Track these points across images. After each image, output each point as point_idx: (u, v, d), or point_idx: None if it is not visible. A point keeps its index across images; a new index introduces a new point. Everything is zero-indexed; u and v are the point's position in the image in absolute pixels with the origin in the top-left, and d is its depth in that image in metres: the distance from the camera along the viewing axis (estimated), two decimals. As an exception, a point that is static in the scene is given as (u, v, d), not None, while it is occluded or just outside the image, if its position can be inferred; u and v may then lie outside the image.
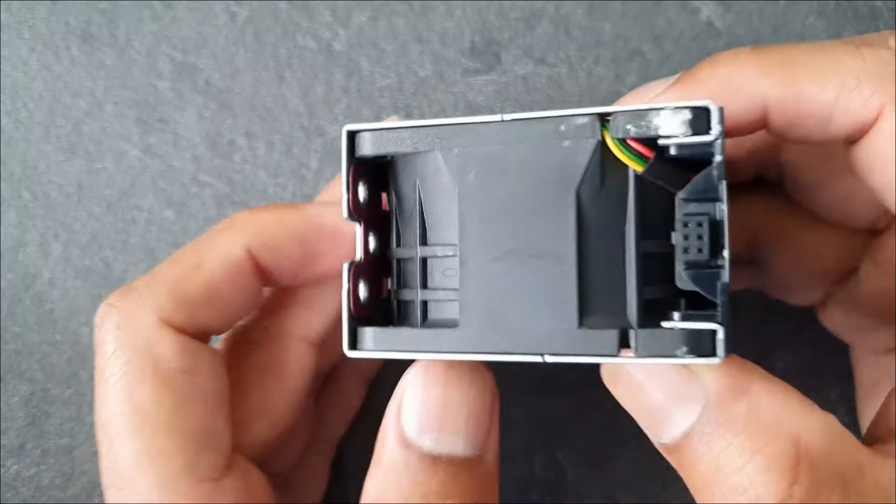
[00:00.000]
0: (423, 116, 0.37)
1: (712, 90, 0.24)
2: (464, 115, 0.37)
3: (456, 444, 0.24)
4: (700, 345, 0.21)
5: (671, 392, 0.23)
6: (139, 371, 0.25)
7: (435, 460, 0.24)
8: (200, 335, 0.27)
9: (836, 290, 0.31)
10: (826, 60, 0.23)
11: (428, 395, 0.24)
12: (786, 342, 0.36)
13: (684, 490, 0.24)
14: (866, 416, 0.33)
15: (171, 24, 0.38)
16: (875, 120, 0.23)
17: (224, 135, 0.38)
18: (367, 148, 0.24)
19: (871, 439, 0.24)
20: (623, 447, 0.36)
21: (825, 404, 0.36)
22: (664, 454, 0.24)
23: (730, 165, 0.22)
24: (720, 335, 0.21)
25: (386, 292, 0.26)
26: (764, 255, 0.31)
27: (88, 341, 0.38)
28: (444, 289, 0.24)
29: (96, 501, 0.38)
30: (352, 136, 0.24)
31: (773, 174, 0.31)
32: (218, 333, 0.28)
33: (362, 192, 0.24)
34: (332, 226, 0.28)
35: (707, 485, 0.22)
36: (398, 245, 0.25)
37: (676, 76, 0.26)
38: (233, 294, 0.27)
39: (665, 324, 0.21)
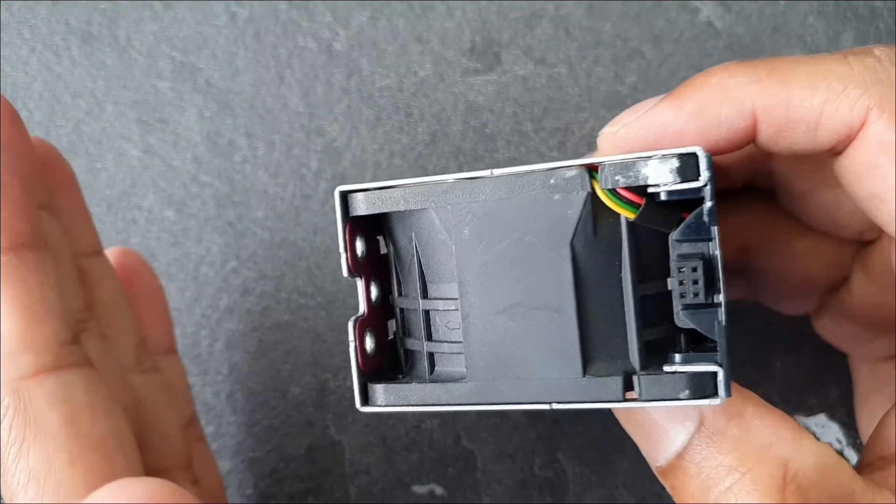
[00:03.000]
0: (422, 117, 0.37)
1: (704, 97, 0.24)
2: (463, 116, 0.37)
3: None
4: (702, 386, 0.22)
5: (666, 412, 0.23)
6: (28, 440, 0.25)
7: None
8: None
9: (828, 299, 0.31)
10: (814, 67, 0.24)
11: None
12: (786, 343, 0.36)
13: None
14: (863, 423, 0.33)
15: (171, 25, 0.38)
16: (861, 126, 0.23)
17: (224, 135, 0.38)
18: (360, 208, 0.24)
19: (865, 466, 0.25)
20: (623, 447, 0.36)
21: (824, 404, 0.37)
22: (660, 479, 0.24)
23: (720, 172, 0.22)
24: (721, 377, 0.21)
25: (391, 334, 0.26)
26: (755, 263, 0.31)
27: (89, 341, 0.38)
28: (448, 341, 0.24)
29: (96, 501, 0.38)
30: (344, 195, 0.24)
31: (763, 183, 0.31)
32: None
33: (360, 246, 0.25)
34: None
35: None
36: (399, 294, 0.26)
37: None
38: None
39: (667, 367, 0.22)
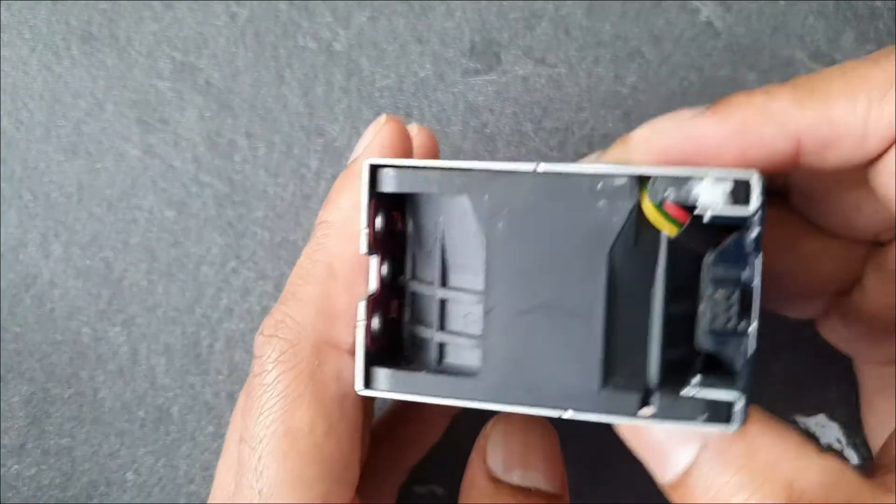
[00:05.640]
0: (422, 117, 0.37)
1: (747, 116, 0.24)
2: (463, 116, 0.37)
3: (538, 479, 0.27)
4: (718, 412, 0.21)
5: (672, 431, 0.23)
6: (299, 396, 0.25)
7: (527, 493, 0.26)
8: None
9: (838, 301, 0.31)
10: (850, 79, 0.23)
11: (510, 439, 0.27)
12: (786, 343, 0.36)
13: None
14: (870, 426, 0.33)
15: (171, 25, 0.38)
16: None
17: (224, 135, 0.38)
18: (389, 185, 0.23)
19: (880, 468, 0.25)
20: (624, 447, 0.36)
21: (824, 404, 0.37)
22: (668, 495, 0.24)
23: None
24: (738, 406, 0.21)
25: (395, 311, 0.26)
26: (766, 264, 0.31)
27: (89, 341, 0.38)
28: (464, 334, 0.24)
29: (96, 501, 0.38)
30: (374, 169, 0.23)
31: (777, 183, 0.31)
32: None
33: (379, 221, 0.24)
34: None
35: None
36: (413, 276, 0.25)
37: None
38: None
39: (685, 391, 0.22)
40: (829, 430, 0.36)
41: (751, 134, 0.24)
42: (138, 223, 0.38)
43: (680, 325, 0.22)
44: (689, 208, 0.21)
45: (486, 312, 0.23)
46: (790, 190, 0.30)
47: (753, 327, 0.21)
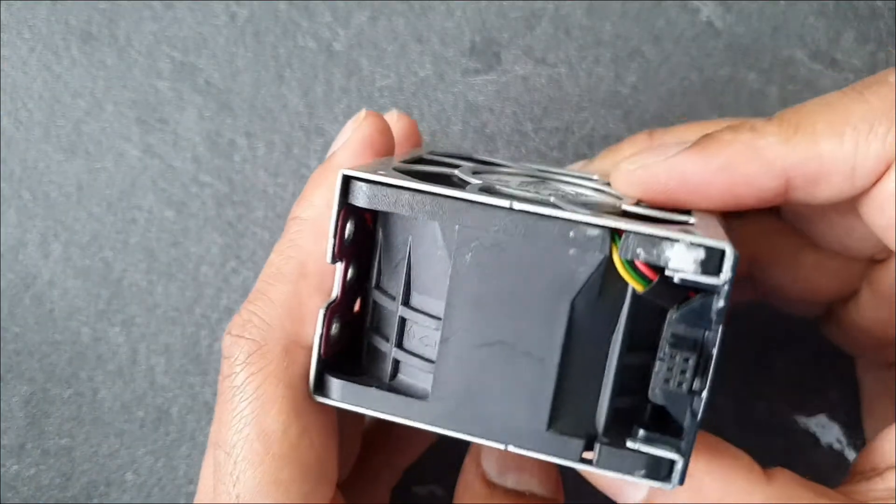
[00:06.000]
0: (422, 117, 0.37)
1: (733, 154, 0.24)
2: (463, 116, 0.37)
3: (532, 483, 0.27)
4: (657, 468, 0.22)
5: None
6: (270, 399, 0.24)
7: (520, 497, 0.27)
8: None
9: (836, 308, 0.31)
10: (835, 114, 0.23)
11: None
12: (786, 343, 0.36)
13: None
14: (869, 429, 0.33)
15: (171, 24, 0.38)
16: None
17: (224, 135, 0.38)
18: (360, 200, 0.23)
19: (855, 475, 0.25)
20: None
21: (825, 404, 0.37)
22: None
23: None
24: (679, 466, 0.21)
25: (359, 307, 0.26)
26: (763, 274, 0.31)
27: (88, 341, 0.38)
28: (419, 356, 0.24)
29: (96, 502, 0.38)
30: (347, 181, 0.23)
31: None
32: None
33: (349, 228, 0.24)
34: None
35: None
36: (377, 285, 0.25)
37: (688, 134, 0.26)
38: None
39: (630, 443, 0.22)
40: (830, 431, 0.36)
41: (737, 172, 0.24)
42: (138, 223, 0.38)
43: (635, 372, 0.22)
44: (659, 268, 0.21)
45: (443, 340, 0.23)
46: (785, 210, 0.30)
47: (705, 393, 0.21)
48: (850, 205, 0.25)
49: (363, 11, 0.37)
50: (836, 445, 0.36)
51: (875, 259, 0.29)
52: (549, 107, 0.37)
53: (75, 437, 0.38)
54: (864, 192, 0.24)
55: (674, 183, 0.24)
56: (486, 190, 0.23)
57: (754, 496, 0.23)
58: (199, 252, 0.38)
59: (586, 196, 0.26)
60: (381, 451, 0.33)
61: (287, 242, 0.25)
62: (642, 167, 0.25)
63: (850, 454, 0.36)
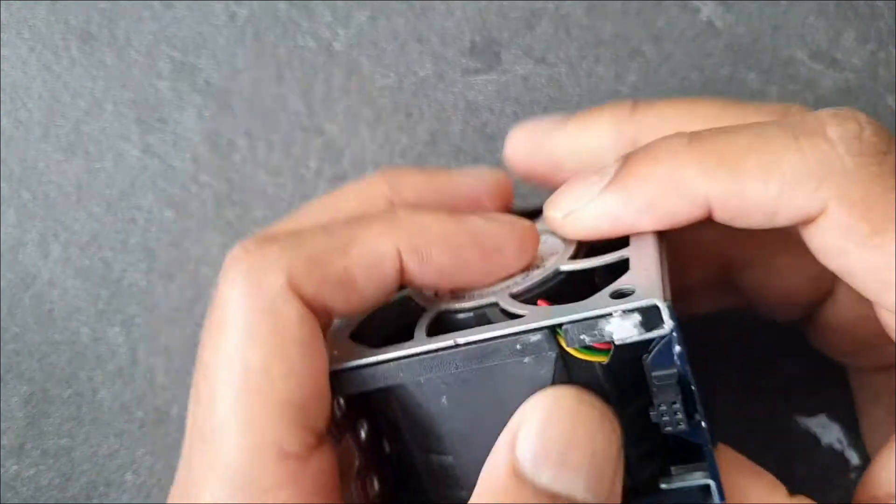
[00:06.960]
0: (422, 116, 0.37)
1: (653, 190, 0.24)
2: (463, 116, 0.37)
3: (576, 485, 0.22)
4: (697, 496, 0.23)
5: None
6: (257, 330, 0.24)
7: (552, 498, 0.22)
8: (318, 312, 0.25)
9: (815, 311, 0.31)
10: (765, 157, 0.23)
11: (551, 427, 0.22)
12: (786, 343, 0.36)
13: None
14: (865, 434, 0.33)
15: (170, 24, 0.38)
16: (820, 215, 0.23)
17: (224, 135, 0.38)
18: (348, 389, 0.24)
19: (857, 494, 0.25)
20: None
21: (825, 404, 0.36)
22: None
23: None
24: (713, 487, 0.22)
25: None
26: (738, 279, 0.31)
27: (88, 341, 0.38)
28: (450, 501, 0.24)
29: (95, 502, 0.38)
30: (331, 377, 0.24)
31: None
32: (334, 318, 0.27)
33: (364, 432, 0.25)
34: (492, 243, 0.26)
35: None
36: (392, 450, 0.26)
37: (612, 166, 0.25)
38: (367, 288, 0.25)
39: (663, 485, 0.23)
40: (830, 431, 0.36)
41: (659, 207, 0.24)
42: (137, 223, 0.38)
43: (641, 414, 0.23)
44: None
45: (463, 477, 0.23)
46: None
47: (703, 423, 0.22)
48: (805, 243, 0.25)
49: (363, 11, 0.37)
50: (837, 446, 0.36)
51: None
52: (549, 107, 0.37)
53: (75, 437, 0.38)
54: (808, 233, 0.24)
55: (605, 225, 0.25)
56: (433, 328, 0.24)
57: None
58: (198, 252, 0.38)
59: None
60: None
61: None
62: (570, 214, 0.25)
63: (851, 454, 0.36)
